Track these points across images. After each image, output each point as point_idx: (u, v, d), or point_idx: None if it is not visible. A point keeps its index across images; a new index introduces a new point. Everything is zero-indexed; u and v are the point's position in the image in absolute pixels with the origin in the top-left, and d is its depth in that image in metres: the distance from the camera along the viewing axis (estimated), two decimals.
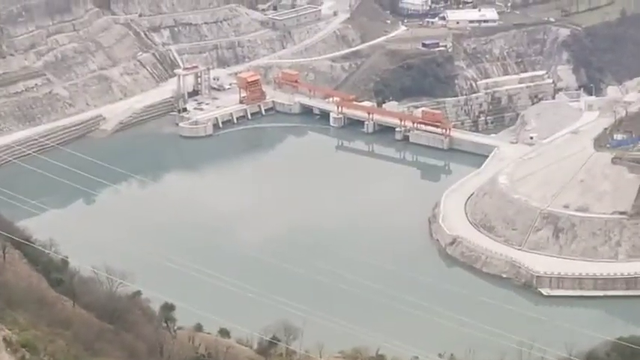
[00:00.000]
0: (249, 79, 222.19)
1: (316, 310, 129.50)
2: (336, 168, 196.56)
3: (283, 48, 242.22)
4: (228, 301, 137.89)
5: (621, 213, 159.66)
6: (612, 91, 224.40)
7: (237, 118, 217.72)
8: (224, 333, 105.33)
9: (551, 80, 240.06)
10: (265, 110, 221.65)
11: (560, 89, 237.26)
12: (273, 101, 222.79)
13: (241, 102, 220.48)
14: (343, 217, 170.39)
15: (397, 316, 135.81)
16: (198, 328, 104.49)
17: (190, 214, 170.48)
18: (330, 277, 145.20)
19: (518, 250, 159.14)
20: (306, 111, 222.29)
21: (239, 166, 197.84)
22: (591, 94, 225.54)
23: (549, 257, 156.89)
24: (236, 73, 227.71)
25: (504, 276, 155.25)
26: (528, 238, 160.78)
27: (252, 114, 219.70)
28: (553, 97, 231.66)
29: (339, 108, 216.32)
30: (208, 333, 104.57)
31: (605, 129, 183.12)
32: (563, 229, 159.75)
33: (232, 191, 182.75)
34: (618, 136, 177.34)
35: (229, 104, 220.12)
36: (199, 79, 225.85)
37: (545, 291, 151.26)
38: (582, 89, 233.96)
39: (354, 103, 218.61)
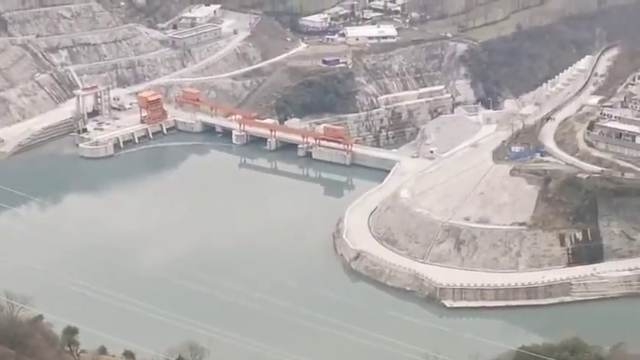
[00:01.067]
0: (150, 99, 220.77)
1: (222, 329, 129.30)
2: (240, 186, 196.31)
3: (184, 66, 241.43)
4: (132, 322, 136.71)
5: (520, 224, 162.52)
6: (509, 104, 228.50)
7: (138, 138, 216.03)
8: (129, 355, 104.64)
9: (449, 95, 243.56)
10: (167, 129, 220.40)
11: (458, 103, 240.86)
12: (174, 120, 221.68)
13: (142, 121, 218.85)
14: (247, 235, 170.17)
15: (303, 332, 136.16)
16: (102, 350, 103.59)
17: (92, 236, 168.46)
18: (236, 295, 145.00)
19: (421, 262, 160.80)
20: (208, 129, 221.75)
21: (142, 187, 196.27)
22: (489, 108, 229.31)
23: (452, 269, 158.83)
24: (136, 93, 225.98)
25: (408, 289, 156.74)
26: (431, 250, 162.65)
27: (153, 133, 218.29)
28: (452, 111, 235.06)
29: (242, 126, 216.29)
30: (113, 355, 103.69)
31: (503, 141, 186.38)
32: (464, 241, 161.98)
33: (135, 212, 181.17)
34: (516, 149, 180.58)
35: (130, 124, 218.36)
36: (99, 99, 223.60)
37: (448, 303, 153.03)
38: (480, 103, 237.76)
39: (256, 120, 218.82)
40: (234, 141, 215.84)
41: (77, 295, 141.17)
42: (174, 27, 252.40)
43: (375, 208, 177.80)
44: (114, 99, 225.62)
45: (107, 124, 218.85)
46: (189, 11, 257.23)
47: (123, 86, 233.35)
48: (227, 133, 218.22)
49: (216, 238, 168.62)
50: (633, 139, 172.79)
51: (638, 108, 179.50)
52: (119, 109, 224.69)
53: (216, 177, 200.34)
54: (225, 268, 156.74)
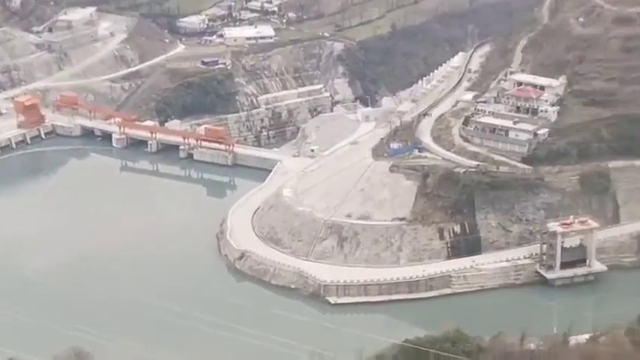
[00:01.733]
0: (27, 103, 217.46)
1: (108, 334, 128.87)
2: (122, 189, 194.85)
3: (61, 70, 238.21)
4: (15, 330, 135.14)
5: (401, 219, 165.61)
6: (387, 101, 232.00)
7: (15, 143, 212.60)
8: None
9: (328, 94, 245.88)
10: (45, 134, 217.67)
11: (337, 102, 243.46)
12: (52, 124, 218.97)
13: (19, 126, 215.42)
14: (131, 239, 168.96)
15: (190, 334, 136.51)
16: None
17: None
18: (121, 300, 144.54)
19: (305, 260, 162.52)
20: (88, 133, 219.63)
21: (20, 193, 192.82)
22: (367, 106, 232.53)
23: (335, 266, 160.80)
24: (12, 98, 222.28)
25: (293, 287, 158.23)
26: (314, 248, 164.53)
27: (31, 138, 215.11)
28: (331, 110, 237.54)
29: (121, 129, 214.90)
30: None
31: (382, 139, 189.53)
32: (347, 238, 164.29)
33: (14, 219, 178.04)
34: (394, 145, 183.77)
35: (7, 129, 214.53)
36: None
37: (332, 299, 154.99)
38: (358, 101, 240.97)
39: (136, 123, 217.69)
40: (114, 144, 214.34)
41: None
42: (50, 30, 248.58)
43: (258, 208, 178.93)
44: None
45: None
46: (65, 14, 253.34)
47: None
48: (107, 136, 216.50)
49: (99, 243, 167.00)
50: (506, 134, 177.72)
51: (510, 103, 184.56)
52: None
53: (98, 181, 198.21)
54: (108, 272, 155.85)
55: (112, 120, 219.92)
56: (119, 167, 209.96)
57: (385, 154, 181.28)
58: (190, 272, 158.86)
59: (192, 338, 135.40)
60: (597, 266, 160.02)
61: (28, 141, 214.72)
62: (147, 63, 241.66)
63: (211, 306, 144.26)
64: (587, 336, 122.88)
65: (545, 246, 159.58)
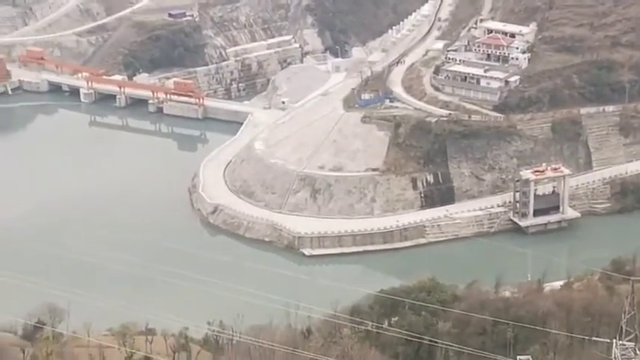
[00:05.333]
0: None
1: (81, 289, 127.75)
2: (91, 144, 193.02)
3: (26, 25, 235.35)
4: None
5: (374, 170, 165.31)
6: (357, 52, 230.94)
7: None
8: None
9: (298, 45, 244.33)
10: (12, 90, 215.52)
11: (307, 53, 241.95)
12: (19, 80, 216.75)
13: None
14: (103, 194, 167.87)
15: (164, 288, 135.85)
16: None
17: None
18: (93, 255, 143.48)
19: (279, 213, 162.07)
20: (55, 88, 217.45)
21: None
22: (337, 56, 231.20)
23: (309, 218, 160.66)
24: None
25: (267, 239, 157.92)
26: (287, 200, 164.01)
27: None
28: (301, 61, 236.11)
29: (89, 83, 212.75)
30: None
31: (353, 89, 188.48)
32: (320, 190, 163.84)
33: None
34: (366, 96, 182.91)
35: None
36: None
37: (307, 251, 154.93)
38: (328, 52, 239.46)
39: (104, 77, 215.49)
40: (82, 99, 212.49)
41: None
42: None
43: (230, 161, 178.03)
44: None
45: None
46: None
47: None
48: (74, 91, 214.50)
49: (71, 198, 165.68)
50: (478, 82, 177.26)
51: (481, 51, 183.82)
52: None
53: (67, 136, 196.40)
54: (82, 227, 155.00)
55: (80, 75, 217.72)
56: (88, 122, 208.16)
57: (356, 105, 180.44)
58: (163, 226, 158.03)
59: (168, 292, 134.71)
60: (570, 213, 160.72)
61: None
62: (113, 16, 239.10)
63: (186, 260, 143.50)
64: (561, 282, 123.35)
65: (518, 194, 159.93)
